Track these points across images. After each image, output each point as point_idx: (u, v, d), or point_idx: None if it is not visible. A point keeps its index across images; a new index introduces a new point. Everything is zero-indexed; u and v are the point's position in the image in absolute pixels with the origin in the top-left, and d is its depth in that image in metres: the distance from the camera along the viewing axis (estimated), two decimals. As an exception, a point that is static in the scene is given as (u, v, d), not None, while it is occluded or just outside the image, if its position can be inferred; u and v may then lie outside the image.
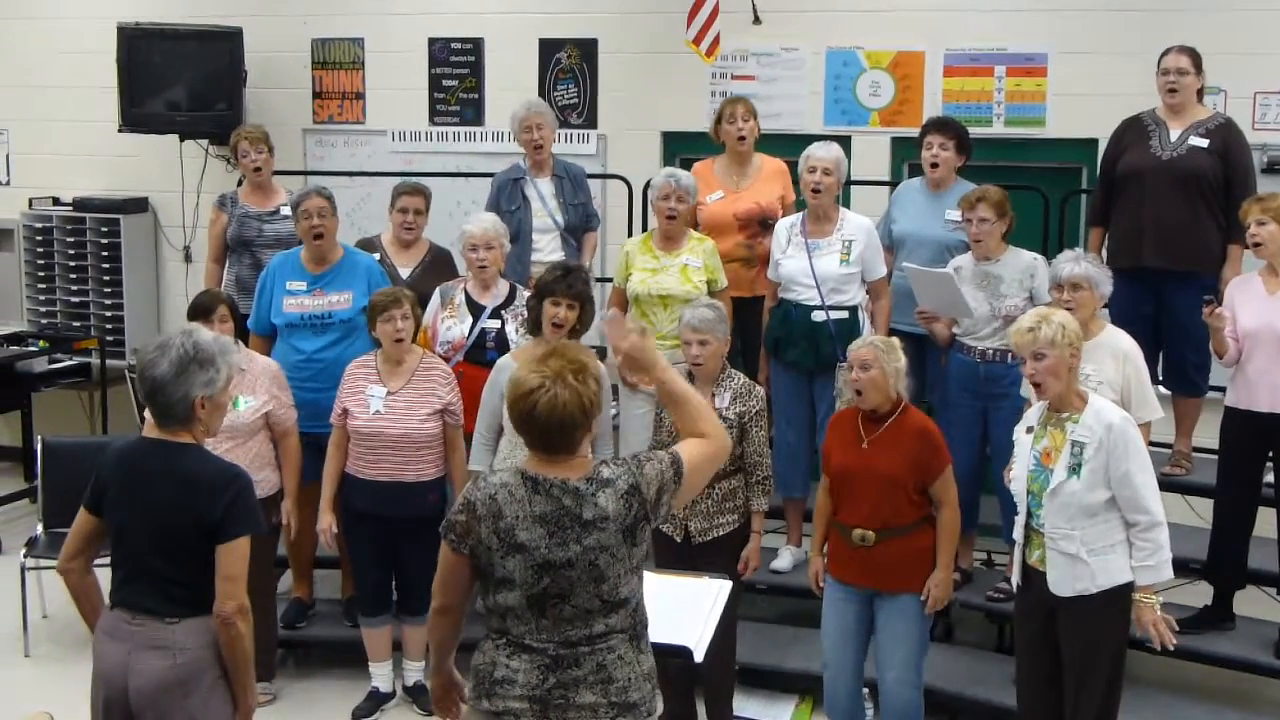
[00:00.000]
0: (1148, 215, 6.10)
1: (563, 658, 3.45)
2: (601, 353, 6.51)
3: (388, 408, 5.72)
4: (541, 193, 6.86)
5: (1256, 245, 5.61)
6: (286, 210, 6.86)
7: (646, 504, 3.47)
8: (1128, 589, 4.59)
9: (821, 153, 6.12)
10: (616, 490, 3.45)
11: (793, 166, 6.52)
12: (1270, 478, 5.85)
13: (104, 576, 4.03)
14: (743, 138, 6.64)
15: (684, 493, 3.60)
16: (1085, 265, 5.41)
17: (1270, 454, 5.76)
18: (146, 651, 3.81)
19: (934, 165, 6.38)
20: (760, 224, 6.51)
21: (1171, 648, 4.63)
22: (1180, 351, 6.19)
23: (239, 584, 3.81)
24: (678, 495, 3.57)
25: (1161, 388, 6.24)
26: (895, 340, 5.27)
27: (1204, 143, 6.07)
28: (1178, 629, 4.68)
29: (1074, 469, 4.54)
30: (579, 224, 6.97)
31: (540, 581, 3.42)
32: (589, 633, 3.45)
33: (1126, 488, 4.51)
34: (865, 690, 5.38)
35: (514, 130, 6.93)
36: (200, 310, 5.79)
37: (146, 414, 5.19)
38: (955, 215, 6.25)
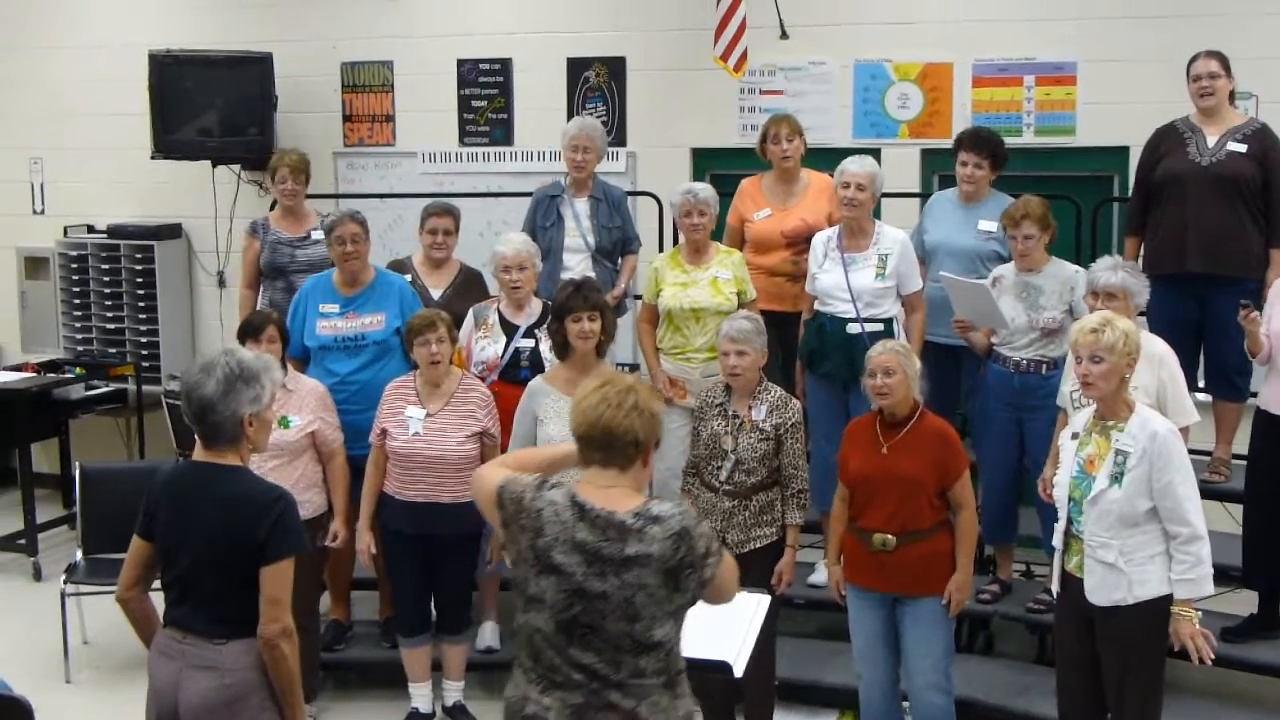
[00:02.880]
0: (1190, 221, 6.06)
1: (594, 700, 3.32)
2: (634, 368, 6.53)
3: (426, 430, 5.73)
4: (577, 212, 6.87)
5: None
6: (318, 235, 6.89)
7: (694, 555, 3.31)
8: (1165, 601, 4.54)
9: (855, 168, 6.10)
10: (665, 529, 3.29)
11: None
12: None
13: (157, 598, 4.06)
14: (787, 157, 6.62)
15: (717, 585, 3.42)
16: (1122, 275, 5.37)
17: None
18: (196, 671, 3.82)
19: (968, 181, 6.37)
20: (807, 241, 6.46)
21: (1209, 662, 4.58)
22: (1222, 356, 6.14)
23: (282, 606, 3.81)
24: (718, 573, 3.39)
25: (1202, 394, 6.21)
26: (910, 345, 5.29)
27: (1243, 148, 6.03)
28: (1216, 644, 4.62)
29: (1116, 477, 4.50)
30: (611, 247, 6.96)
31: (571, 608, 3.31)
32: (620, 673, 3.31)
33: (1168, 499, 4.48)
34: (905, 704, 5.35)
35: (562, 144, 6.94)
36: (250, 330, 5.82)
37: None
38: (989, 226, 6.24)
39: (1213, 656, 4.55)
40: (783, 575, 5.48)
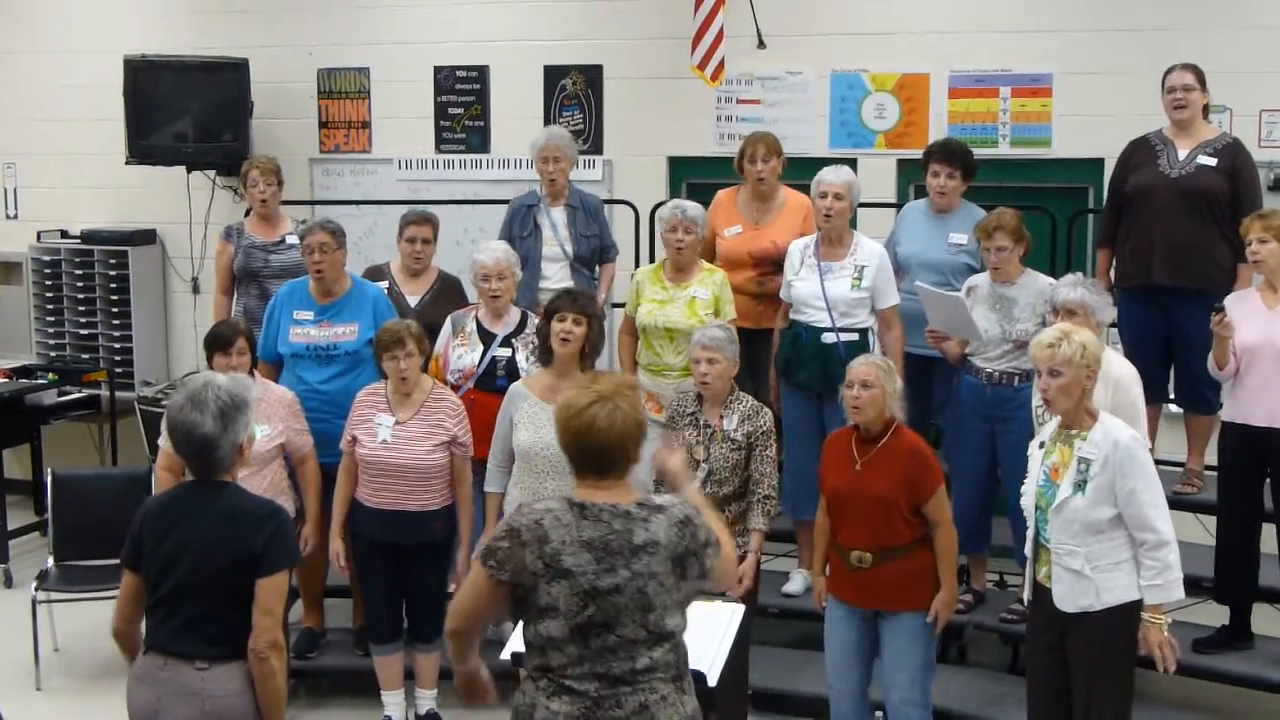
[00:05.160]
0: (1158, 234, 6.08)
1: (604, 699, 3.36)
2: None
3: (395, 438, 5.72)
4: (554, 221, 6.86)
5: (1256, 262, 5.61)
6: (292, 239, 6.87)
7: (697, 543, 3.41)
8: (1135, 607, 4.57)
9: (832, 177, 6.11)
10: (670, 518, 3.40)
11: (803, 189, 6.50)
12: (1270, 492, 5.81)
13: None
14: (762, 179, 6.60)
15: (718, 574, 3.53)
16: (1081, 292, 5.38)
17: (1268, 470, 5.72)
18: (176, 698, 3.77)
19: (940, 193, 6.38)
20: (774, 263, 6.45)
21: (1172, 670, 4.60)
22: (1192, 369, 6.15)
23: (275, 619, 3.79)
24: (716, 563, 3.48)
25: (1173, 405, 6.24)
26: (894, 363, 5.28)
27: (1213, 161, 6.06)
28: (1179, 654, 4.64)
29: (1079, 485, 4.52)
30: (589, 255, 6.95)
31: (585, 610, 3.33)
32: (632, 668, 3.36)
33: (1132, 505, 4.50)
34: (879, 714, 5.35)
35: (532, 157, 6.93)
36: (219, 341, 5.80)
37: (161, 443, 5.19)
38: (960, 239, 6.26)
39: (1173, 667, 4.59)
40: (742, 579, 5.39)
